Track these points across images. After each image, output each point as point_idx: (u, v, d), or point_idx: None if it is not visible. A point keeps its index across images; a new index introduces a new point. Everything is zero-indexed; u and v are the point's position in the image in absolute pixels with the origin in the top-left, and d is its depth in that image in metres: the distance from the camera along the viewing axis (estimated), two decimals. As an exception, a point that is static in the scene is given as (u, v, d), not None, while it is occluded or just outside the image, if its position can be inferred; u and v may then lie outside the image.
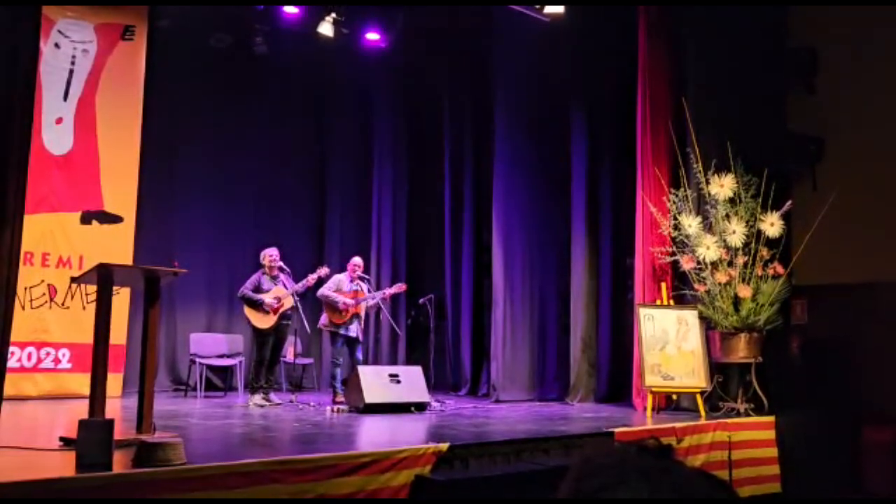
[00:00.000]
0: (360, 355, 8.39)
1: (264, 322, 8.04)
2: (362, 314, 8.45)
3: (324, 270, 8.30)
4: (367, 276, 8.85)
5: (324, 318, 8.40)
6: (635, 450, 0.95)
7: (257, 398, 7.95)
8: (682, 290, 7.91)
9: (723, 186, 7.65)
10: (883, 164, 7.61)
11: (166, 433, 4.94)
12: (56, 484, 3.66)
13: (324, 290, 8.31)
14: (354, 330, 8.30)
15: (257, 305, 8.02)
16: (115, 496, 3.71)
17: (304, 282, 8.17)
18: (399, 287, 8.74)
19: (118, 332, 8.00)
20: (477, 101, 10.47)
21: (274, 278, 8.21)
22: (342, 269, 8.65)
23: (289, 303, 8.12)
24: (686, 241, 7.74)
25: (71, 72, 8.69)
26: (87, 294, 8.38)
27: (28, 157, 5.29)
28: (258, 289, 8.10)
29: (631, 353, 8.15)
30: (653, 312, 7.77)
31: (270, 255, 8.25)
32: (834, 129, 7.94)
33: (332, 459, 4.48)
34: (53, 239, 8.42)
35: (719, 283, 7.53)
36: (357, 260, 8.57)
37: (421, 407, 7.63)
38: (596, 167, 9.16)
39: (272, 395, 8.11)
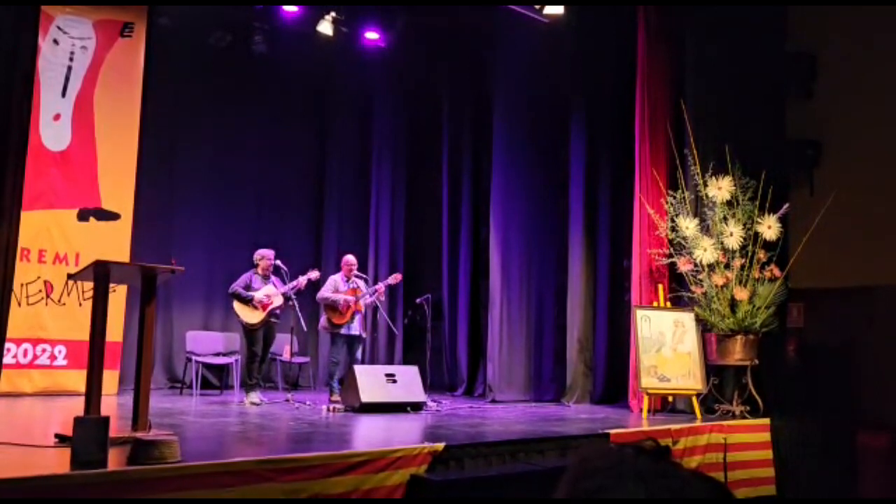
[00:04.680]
0: (358, 355, 8.40)
1: (253, 317, 8.09)
2: (363, 310, 8.45)
3: (314, 274, 8.33)
4: (364, 276, 8.85)
5: (323, 321, 8.40)
6: (632, 451, 0.95)
7: (253, 396, 7.96)
8: (678, 292, 7.92)
9: (720, 189, 7.66)
10: (881, 168, 7.61)
11: (162, 431, 4.94)
12: (51, 481, 3.66)
13: (322, 293, 8.32)
14: (356, 328, 8.30)
15: (247, 301, 8.08)
16: (109, 493, 3.70)
17: (293, 283, 8.20)
18: (395, 278, 8.74)
19: (114, 330, 7.99)
20: (476, 102, 10.47)
21: (265, 279, 8.25)
22: (339, 270, 8.64)
23: (278, 301, 8.17)
24: (683, 243, 7.75)
25: (69, 68, 8.67)
26: (83, 291, 8.37)
27: (26, 153, 5.29)
28: (248, 287, 8.16)
29: (627, 355, 8.16)
30: (649, 314, 7.78)
31: (266, 256, 8.30)
32: (832, 133, 7.95)
33: (327, 458, 4.48)
34: (50, 236, 8.40)
35: (716, 286, 7.54)
36: (350, 258, 8.57)
37: (417, 407, 7.63)
38: (594, 168, 9.16)
39: (259, 394, 8.11)
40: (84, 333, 5.04)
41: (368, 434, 6.35)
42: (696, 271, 7.68)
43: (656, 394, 7.74)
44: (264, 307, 8.10)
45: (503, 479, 5.03)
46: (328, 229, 11.16)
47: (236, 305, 8.17)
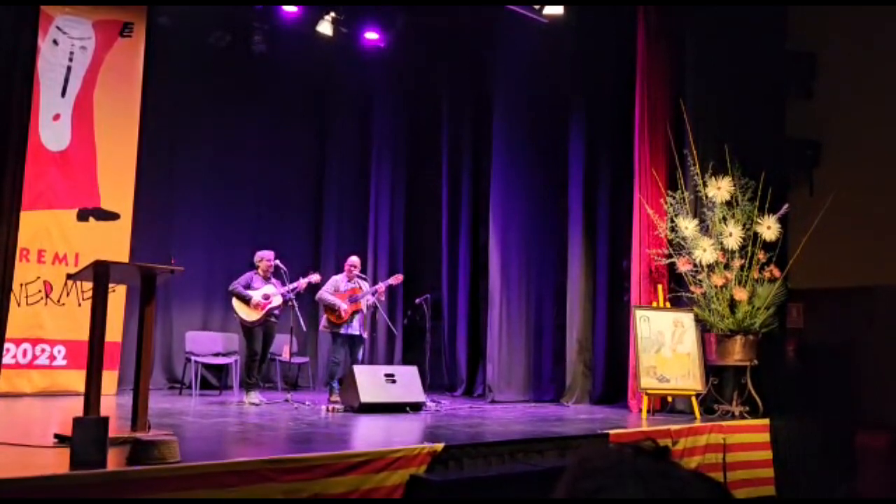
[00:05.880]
0: (359, 355, 8.40)
1: (251, 314, 8.12)
2: (364, 310, 8.45)
3: (315, 277, 8.34)
4: (364, 276, 8.85)
5: (323, 321, 8.42)
6: (632, 451, 0.95)
7: (253, 396, 7.96)
8: (678, 292, 7.91)
9: (720, 189, 7.66)
10: (880, 168, 7.62)
11: (161, 431, 4.94)
12: (50, 481, 3.65)
13: (322, 294, 8.33)
14: (356, 327, 8.30)
15: (245, 300, 8.10)
16: (109, 494, 3.70)
17: (293, 285, 8.23)
18: (396, 278, 8.75)
19: (114, 330, 7.99)
20: (475, 102, 10.47)
21: (266, 280, 8.27)
22: (339, 270, 8.66)
23: (277, 301, 8.19)
24: (683, 243, 7.75)
25: (69, 68, 8.67)
26: (82, 291, 8.37)
27: (25, 153, 5.29)
28: (248, 287, 8.19)
29: (626, 355, 8.16)
30: (649, 314, 7.78)
31: (265, 257, 8.32)
32: (832, 133, 7.95)
33: (326, 459, 4.48)
34: (49, 236, 8.40)
35: (715, 286, 7.54)
36: (354, 259, 8.58)
37: (416, 407, 7.63)
38: (594, 168, 9.16)
39: (257, 393, 8.12)
40: (83, 333, 5.04)
41: (368, 434, 6.34)
42: (696, 271, 7.67)
43: (656, 394, 7.74)
44: (262, 307, 8.12)
45: (502, 479, 5.03)
46: (328, 229, 11.16)
47: (235, 303, 8.20)
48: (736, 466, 6.65)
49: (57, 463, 4.13)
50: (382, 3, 9.76)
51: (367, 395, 7.37)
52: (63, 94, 8.64)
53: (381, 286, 8.58)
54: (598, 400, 8.84)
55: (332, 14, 9.59)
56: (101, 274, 4.99)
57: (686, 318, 7.76)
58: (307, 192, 11.21)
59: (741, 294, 7.46)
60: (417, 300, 8.98)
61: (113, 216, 8.77)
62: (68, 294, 8.46)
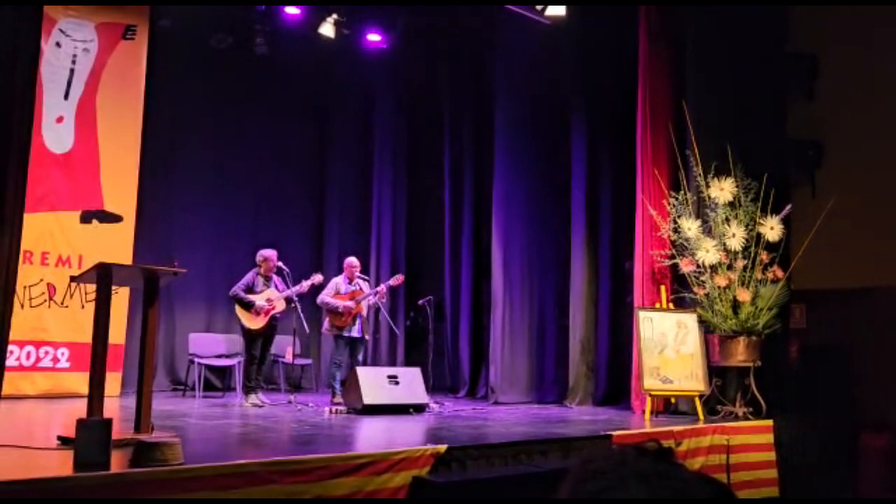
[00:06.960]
0: (361, 357, 8.40)
1: (254, 322, 8.07)
2: (364, 312, 8.45)
3: (318, 278, 8.32)
4: (366, 277, 8.85)
5: (326, 323, 8.41)
6: (635, 452, 0.95)
7: (253, 398, 7.96)
8: (681, 293, 7.91)
9: (723, 190, 7.65)
10: (882, 169, 7.61)
11: (164, 433, 4.94)
12: (53, 483, 3.66)
13: (322, 297, 8.33)
14: (357, 330, 8.30)
15: (248, 306, 8.05)
16: (112, 496, 3.70)
17: (297, 288, 8.17)
18: (397, 279, 8.74)
19: (117, 332, 8.00)
20: (477, 103, 10.48)
21: (268, 279, 8.23)
22: (340, 271, 8.65)
23: (280, 306, 8.15)
24: (685, 244, 7.74)
25: (72, 71, 8.70)
26: (86, 293, 8.39)
27: (28, 155, 5.30)
28: (250, 289, 8.12)
29: (629, 356, 8.15)
30: (652, 315, 7.77)
31: (268, 257, 8.26)
32: (833, 134, 7.95)
33: (329, 460, 4.48)
34: (53, 238, 8.42)
35: (718, 287, 7.54)
36: (352, 260, 8.57)
37: (419, 408, 7.63)
38: (596, 169, 9.16)
39: (260, 395, 8.11)
40: (87, 335, 5.05)
41: (371, 436, 6.34)
42: (699, 272, 7.66)
43: (659, 395, 7.73)
44: (266, 313, 8.09)
45: (505, 480, 5.03)
46: (329, 230, 11.18)
47: (238, 309, 8.14)
48: (739, 467, 6.65)
49: (60, 465, 4.14)
50: (383, 4, 9.77)
51: (370, 396, 7.37)
52: (66, 96, 8.66)
53: (382, 287, 8.58)
54: (601, 401, 8.83)
55: (335, 16, 9.60)
56: (104, 276, 4.99)
57: (689, 319, 7.75)
58: (309, 192, 11.23)
59: (744, 295, 7.45)
60: (420, 301, 8.98)
61: (116, 218, 8.79)
62: (72, 296, 8.48)
